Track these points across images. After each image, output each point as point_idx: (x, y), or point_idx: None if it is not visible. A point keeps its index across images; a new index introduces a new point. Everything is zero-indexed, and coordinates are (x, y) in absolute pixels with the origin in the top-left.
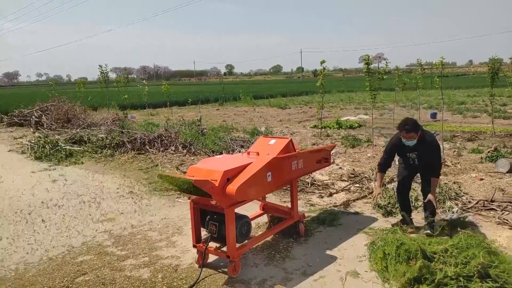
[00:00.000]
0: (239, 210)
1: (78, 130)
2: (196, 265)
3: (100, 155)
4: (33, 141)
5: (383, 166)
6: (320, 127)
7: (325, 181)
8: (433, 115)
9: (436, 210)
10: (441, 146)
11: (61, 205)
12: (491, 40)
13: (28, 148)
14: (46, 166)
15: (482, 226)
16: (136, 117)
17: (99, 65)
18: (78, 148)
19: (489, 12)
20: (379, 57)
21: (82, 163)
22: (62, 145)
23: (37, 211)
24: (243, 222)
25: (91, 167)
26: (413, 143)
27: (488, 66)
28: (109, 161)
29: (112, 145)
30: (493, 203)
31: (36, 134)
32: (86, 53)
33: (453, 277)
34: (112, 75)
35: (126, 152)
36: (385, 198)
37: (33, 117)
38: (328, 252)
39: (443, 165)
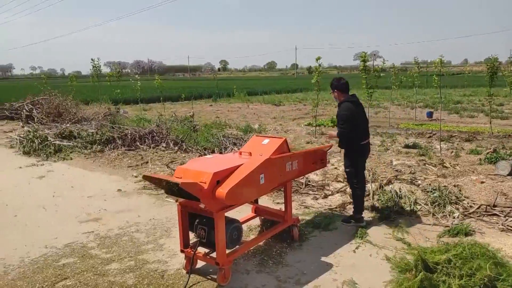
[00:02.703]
0: (230, 212)
1: (68, 124)
2: (184, 271)
3: (89, 150)
4: (22, 136)
5: None
6: (314, 125)
7: (319, 182)
8: (429, 114)
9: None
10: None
11: (46, 203)
12: (487, 40)
13: (17, 143)
14: (34, 161)
15: (485, 232)
16: (128, 112)
17: (91, 59)
18: (68, 143)
19: (485, 11)
20: (374, 54)
21: (71, 158)
22: (51, 140)
23: (20, 209)
24: (234, 227)
25: (80, 163)
26: (336, 100)
27: (486, 65)
28: (99, 157)
29: (102, 140)
30: (495, 208)
31: (25, 128)
32: (81, 46)
33: None
34: (106, 69)
35: (116, 148)
36: (382, 201)
37: (24, 110)
38: (323, 258)
39: (441, 166)
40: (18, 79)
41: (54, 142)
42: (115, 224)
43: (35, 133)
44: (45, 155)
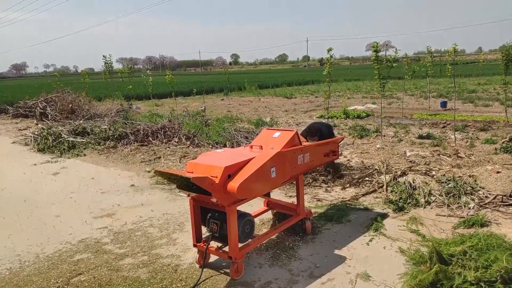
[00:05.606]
0: (242, 206)
1: (81, 121)
2: (197, 265)
3: (103, 146)
4: (36, 133)
5: None
6: (326, 117)
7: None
8: (443, 104)
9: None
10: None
11: (60, 199)
12: (502, 27)
13: (31, 140)
14: (49, 158)
15: (502, 223)
16: (141, 108)
17: (103, 55)
18: (81, 140)
19: None
20: (386, 45)
21: (85, 155)
22: (65, 137)
23: (35, 206)
24: (246, 220)
25: (93, 159)
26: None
27: (501, 53)
28: (112, 153)
29: (115, 136)
30: None
31: (39, 125)
32: (93, 43)
33: (473, 282)
34: (119, 66)
35: (129, 144)
36: (396, 193)
37: (38, 108)
38: (336, 251)
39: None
40: (32, 77)
41: (68, 139)
42: (129, 219)
43: (49, 130)
44: (59, 152)
